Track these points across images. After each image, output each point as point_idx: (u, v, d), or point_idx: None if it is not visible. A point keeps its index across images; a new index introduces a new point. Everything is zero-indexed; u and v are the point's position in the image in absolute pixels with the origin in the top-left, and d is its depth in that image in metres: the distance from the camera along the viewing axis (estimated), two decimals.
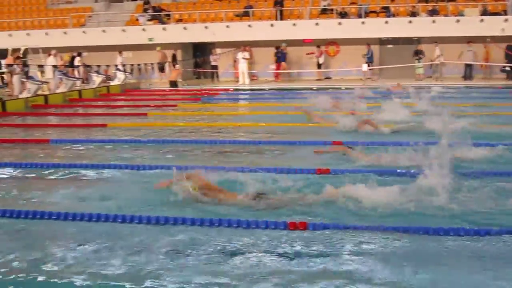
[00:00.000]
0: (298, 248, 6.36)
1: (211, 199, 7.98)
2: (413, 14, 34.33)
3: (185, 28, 36.37)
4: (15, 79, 24.34)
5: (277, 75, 35.98)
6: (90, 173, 10.39)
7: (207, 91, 29.48)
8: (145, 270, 5.81)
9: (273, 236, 6.69)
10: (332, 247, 6.38)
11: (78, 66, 31.96)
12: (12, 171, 10.88)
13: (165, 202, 7.98)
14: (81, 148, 13.40)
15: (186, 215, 7.31)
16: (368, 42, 33.95)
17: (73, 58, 33.73)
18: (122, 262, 5.99)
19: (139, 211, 7.59)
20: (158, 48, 34.99)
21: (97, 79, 30.12)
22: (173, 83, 32.65)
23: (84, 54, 34.82)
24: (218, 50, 36.49)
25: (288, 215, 7.38)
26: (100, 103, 25.19)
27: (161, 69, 34.23)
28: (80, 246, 6.54)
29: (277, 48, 35.30)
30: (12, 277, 5.76)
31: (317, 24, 34.76)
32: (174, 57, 35.91)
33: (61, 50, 32.35)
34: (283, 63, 35.54)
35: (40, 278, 5.73)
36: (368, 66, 33.78)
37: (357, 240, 6.52)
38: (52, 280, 5.69)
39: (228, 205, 7.85)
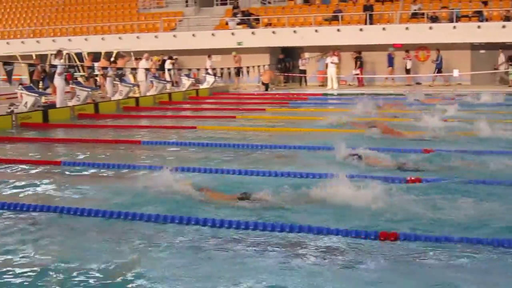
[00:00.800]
0: (388, 257, 6.31)
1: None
2: (507, 18, 33.29)
3: (273, 32, 36.43)
4: (108, 81, 24.97)
5: (360, 80, 35.61)
6: (180, 175, 10.52)
7: (295, 96, 29.48)
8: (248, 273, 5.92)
9: (362, 245, 6.66)
10: (423, 258, 6.32)
11: (169, 70, 32.53)
12: (105, 171, 11.18)
13: (248, 208, 8.05)
14: (171, 150, 13.64)
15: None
16: (438, 47, 33.30)
17: (163, 61, 34.39)
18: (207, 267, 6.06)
19: (230, 215, 7.69)
20: (233, 53, 35.17)
21: (186, 82, 30.61)
22: (265, 85, 32.86)
23: (174, 57, 35.46)
24: (306, 54, 36.42)
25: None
26: (189, 106, 25.59)
27: (237, 73, 34.36)
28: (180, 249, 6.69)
29: (358, 53, 34.98)
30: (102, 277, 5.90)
31: (407, 28, 34.16)
32: (279, 60, 36.38)
33: (152, 53, 32.90)
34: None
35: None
36: (439, 72, 33.36)
37: (447, 252, 6.43)
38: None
39: (215, 205, 8.17)
